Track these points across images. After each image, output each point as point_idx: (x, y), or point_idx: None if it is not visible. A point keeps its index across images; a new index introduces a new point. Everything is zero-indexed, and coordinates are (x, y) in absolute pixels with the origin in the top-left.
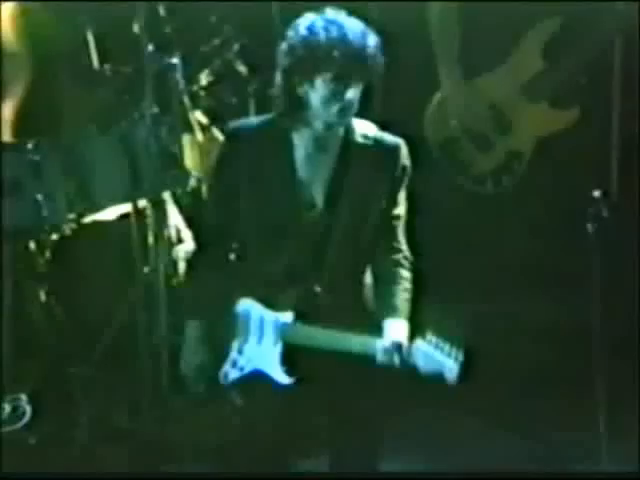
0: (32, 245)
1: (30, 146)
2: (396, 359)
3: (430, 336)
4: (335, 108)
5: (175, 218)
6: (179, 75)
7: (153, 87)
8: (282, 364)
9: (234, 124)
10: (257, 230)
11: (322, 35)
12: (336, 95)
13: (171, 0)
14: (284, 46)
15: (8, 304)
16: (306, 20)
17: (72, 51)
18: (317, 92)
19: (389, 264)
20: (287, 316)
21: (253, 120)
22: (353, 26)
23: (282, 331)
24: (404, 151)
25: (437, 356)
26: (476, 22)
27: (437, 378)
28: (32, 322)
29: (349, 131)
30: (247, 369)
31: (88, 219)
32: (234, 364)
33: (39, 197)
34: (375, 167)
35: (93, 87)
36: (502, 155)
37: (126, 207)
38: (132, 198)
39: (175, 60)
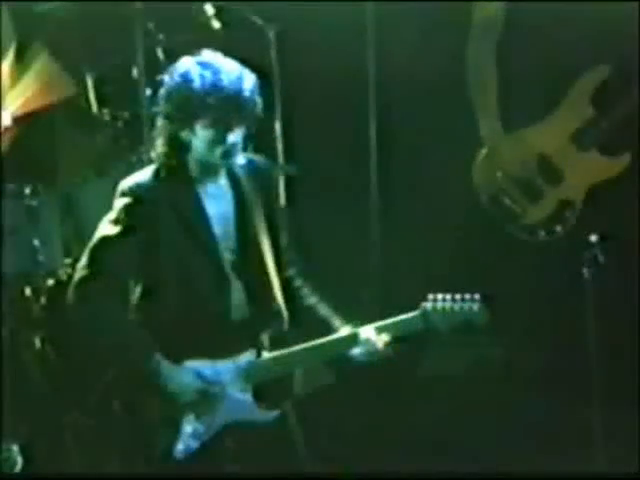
0: (28, 291)
1: (27, 191)
2: (371, 347)
3: (432, 295)
4: (218, 151)
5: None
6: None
7: (150, 131)
8: (259, 403)
9: (130, 181)
10: (181, 278)
11: (197, 82)
12: (217, 139)
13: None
14: (162, 91)
15: (3, 351)
16: (182, 65)
17: (71, 96)
18: (198, 137)
19: (294, 282)
20: (247, 356)
21: (147, 171)
22: (228, 70)
23: (247, 373)
24: (270, 167)
25: (454, 307)
26: (523, 72)
27: (466, 329)
28: (26, 370)
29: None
30: (212, 431)
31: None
32: (195, 435)
33: (35, 242)
34: (254, 190)
35: (91, 132)
36: (553, 204)
37: None
38: None
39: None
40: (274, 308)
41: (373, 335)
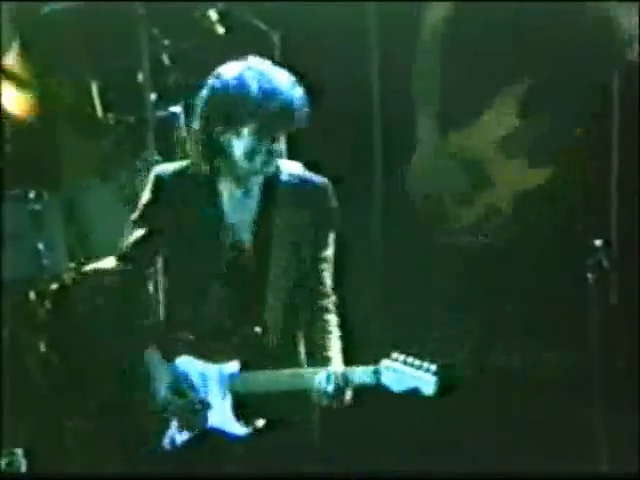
0: (32, 295)
1: (31, 196)
2: (330, 388)
3: (396, 354)
4: (259, 159)
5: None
6: (182, 124)
7: (155, 136)
8: (235, 416)
9: (160, 167)
10: (185, 278)
11: (252, 87)
12: (261, 146)
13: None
14: (205, 93)
15: (6, 355)
16: (233, 69)
17: (76, 101)
18: (242, 142)
19: (318, 312)
20: (232, 366)
21: (178, 164)
22: (282, 78)
23: (229, 382)
24: (330, 191)
25: (408, 372)
26: (453, 77)
27: (413, 395)
28: (30, 374)
29: (275, 169)
30: (195, 432)
31: (88, 268)
32: (180, 430)
33: (40, 246)
34: (301, 206)
35: (96, 136)
36: (481, 210)
37: None
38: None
39: (178, 109)
40: (264, 323)
41: (331, 379)
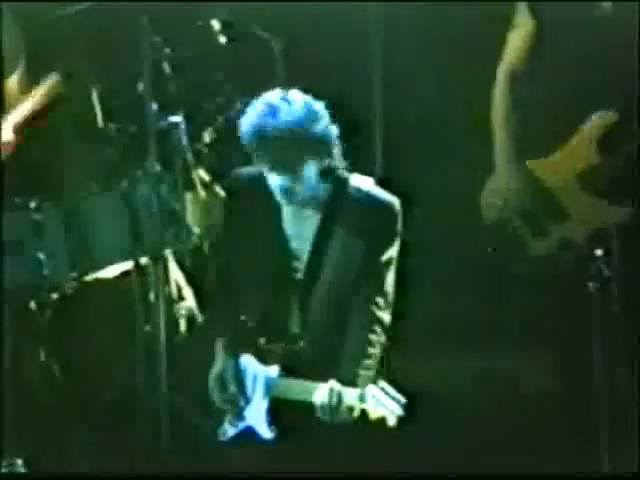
0: (33, 304)
1: (32, 205)
2: (329, 402)
3: (383, 383)
4: (282, 191)
5: (176, 275)
6: (182, 133)
7: (156, 145)
8: (267, 418)
9: (237, 170)
10: (247, 285)
11: (270, 123)
12: (280, 181)
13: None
14: (250, 119)
15: (7, 365)
16: (270, 99)
17: (77, 110)
18: (272, 177)
19: (364, 332)
20: (273, 370)
21: (248, 171)
22: (294, 110)
23: (269, 385)
24: (397, 212)
25: (382, 400)
26: (533, 107)
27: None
28: (31, 383)
29: (342, 183)
30: (241, 426)
31: (90, 277)
32: (231, 421)
33: (41, 256)
34: (365, 223)
35: (97, 146)
36: (555, 242)
37: (127, 265)
38: (133, 256)
39: (179, 118)
40: (305, 333)
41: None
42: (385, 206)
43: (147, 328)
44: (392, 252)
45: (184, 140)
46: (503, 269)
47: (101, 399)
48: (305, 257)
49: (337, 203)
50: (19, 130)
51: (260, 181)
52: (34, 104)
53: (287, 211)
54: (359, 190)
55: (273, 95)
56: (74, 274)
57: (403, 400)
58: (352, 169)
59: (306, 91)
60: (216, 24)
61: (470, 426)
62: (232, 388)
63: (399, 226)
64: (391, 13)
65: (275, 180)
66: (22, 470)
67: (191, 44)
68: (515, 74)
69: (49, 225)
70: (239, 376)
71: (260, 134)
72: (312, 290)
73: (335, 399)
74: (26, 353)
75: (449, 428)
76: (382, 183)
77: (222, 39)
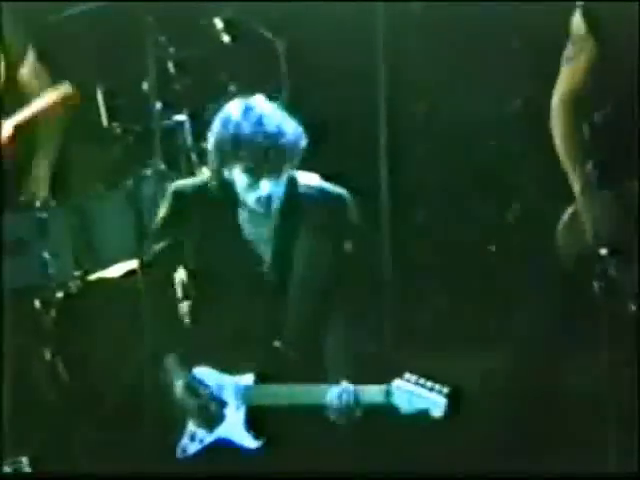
0: (38, 303)
1: (37, 204)
2: (340, 404)
3: (408, 375)
4: (253, 196)
5: (181, 274)
6: (187, 132)
7: (161, 144)
8: (247, 428)
9: (179, 183)
10: (206, 291)
11: (239, 127)
12: (252, 185)
13: None
14: (213, 126)
15: (12, 364)
16: (234, 110)
17: (82, 109)
18: (242, 178)
19: (334, 327)
20: (247, 378)
21: (197, 180)
22: (270, 118)
23: (244, 395)
24: (350, 203)
25: (419, 392)
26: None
27: (422, 416)
28: (35, 382)
29: (292, 182)
30: (207, 440)
31: (94, 276)
32: (192, 437)
33: (45, 255)
34: (320, 218)
35: (102, 145)
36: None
37: (132, 264)
38: (138, 255)
39: (183, 117)
40: (282, 334)
41: (342, 396)
42: (337, 199)
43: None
44: (350, 244)
45: (189, 139)
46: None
47: (107, 398)
48: (268, 260)
49: (291, 202)
50: (19, 129)
51: (207, 191)
52: (40, 108)
53: (243, 216)
54: (309, 187)
55: (251, 100)
56: (79, 273)
57: (445, 389)
58: (356, 168)
59: (309, 91)
60: (220, 23)
61: (474, 425)
62: (196, 402)
63: (354, 217)
64: (396, 13)
65: (257, 187)
66: (27, 469)
67: (195, 43)
68: (577, 101)
69: (54, 224)
70: (201, 390)
71: (245, 139)
72: (282, 291)
73: (351, 398)
74: (31, 352)
75: (454, 427)
76: (327, 178)
77: (226, 38)
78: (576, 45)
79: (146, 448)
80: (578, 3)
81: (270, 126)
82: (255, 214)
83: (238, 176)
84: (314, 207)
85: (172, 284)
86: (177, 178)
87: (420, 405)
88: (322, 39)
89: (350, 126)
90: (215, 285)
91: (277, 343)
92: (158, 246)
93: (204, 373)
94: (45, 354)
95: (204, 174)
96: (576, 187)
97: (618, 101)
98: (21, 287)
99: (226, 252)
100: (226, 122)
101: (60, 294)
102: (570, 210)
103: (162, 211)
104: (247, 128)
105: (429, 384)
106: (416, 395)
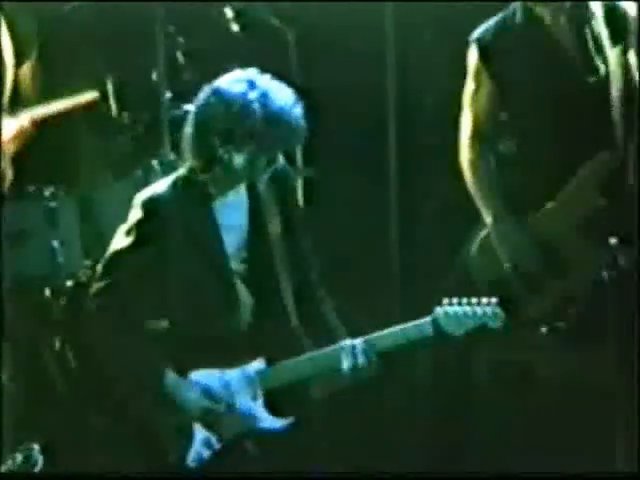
0: (47, 292)
1: (47, 193)
2: (360, 359)
3: (446, 299)
4: (258, 169)
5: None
6: None
7: (170, 134)
8: (269, 411)
9: (145, 194)
10: (193, 289)
11: (257, 110)
12: (260, 159)
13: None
14: (203, 103)
15: (22, 352)
16: (236, 86)
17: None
18: (241, 155)
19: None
20: (258, 364)
21: (163, 183)
22: (284, 98)
23: (259, 380)
24: (288, 170)
25: (469, 311)
26: (513, 161)
27: (480, 332)
28: (46, 371)
29: None
30: (225, 441)
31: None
32: (207, 443)
33: (55, 244)
34: (274, 196)
35: (111, 135)
36: (557, 300)
37: None
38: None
39: (193, 107)
40: (284, 316)
41: (361, 350)
42: (284, 173)
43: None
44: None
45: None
46: None
47: (116, 387)
48: (245, 247)
49: (252, 187)
50: (36, 123)
51: (177, 195)
52: (62, 109)
53: (219, 207)
54: None
55: (250, 74)
56: (88, 262)
57: (493, 299)
58: (365, 156)
59: (319, 78)
60: (229, 12)
61: (482, 420)
62: (207, 411)
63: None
64: (406, 2)
65: (261, 165)
66: (38, 456)
67: (205, 33)
68: (483, 135)
69: (63, 214)
70: (204, 394)
71: (251, 115)
72: (270, 276)
73: (368, 350)
74: (41, 341)
75: (457, 423)
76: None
77: (236, 28)
78: (474, 80)
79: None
80: (472, 38)
81: (287, 105)
82: (229, 205)
83: (243, 153)
84: (269, 186)
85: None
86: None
87: (473, 323)
88: (332, 28)
89: (360, 114)
90: (201, 281)
91: (275, 325)
92: (122, 266)
93: (204, 375)
94: (55, 342)
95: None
96: (486, 216)
97: (521, 131)
98: (31, 276)
99: (205, 244)
100: (239, 102)
101: (70, 283)
102: (481, 235)
103: (125, 229)
104: (268, 107)
105: (474, 300)
106: (467, 315)
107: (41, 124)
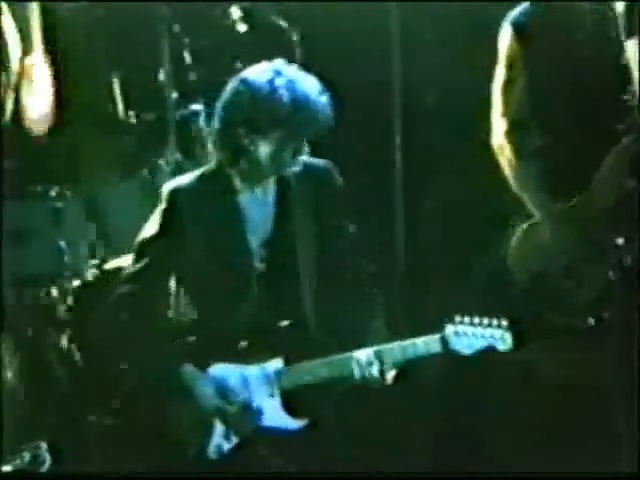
0: (54, 291)
1: (53, 193)
2: (374, 371)
3: (459, 317)
4: (284, 160)
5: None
6: (202, 122)
7: (176, 134)
8: (286, 411)
9: (171, 184)
10: (213, 284)
11: (284, 96)
12: (287, 149)
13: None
14: (229, 95)
15: (29, 351)
16: (262, 75)
17: (97, 98)
18: (267, 145)
19: (344, 298)
20: (276, 363)
21: (191, 175)
22: (311, 86)
23: (276, 380)
24: (335, 171)
25: (479, 332)
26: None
27: (489, 354)
28: (52, 369)
29: None
30: (243, 435)
31: (110, 265)
32: (226, 435)
33: (61, 244)
34: (310, 193)
35: (117, 134)
36: (600, 289)
37: None
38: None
39: (199, 107)
40: (301, 317)
41: (371, 362)
42: (322, 169)
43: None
44: (342, 214)
45: (204, 129)
46: None
47: (122, 385)
48: (274, 242)
49: (283, 182)
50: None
51: (201, 187)
52: None
53: (245, 203)
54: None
55: (287, 67)
56: (94, 262)
57: (504, 321)
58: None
59: (324, 79)
60: (235, 12)
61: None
62: (225, 406)
63: (340, 183)
64: (411, 1)
65: (287, 156)
66: (46, 454)
67: (210, 33)
68: (521, 123)
69: (70, 213)
70: (229, 392)
71: (278, 104)
72: (292, 272)
73: (378, 360)
74: (48, 339)
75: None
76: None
77: (241, 27)
78: (508, 65)
79: (167, 436)
80: (507, 20)
81: (314, 92)
82: (256, 198)
83: (270, 142)
84: (303, 182)
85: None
86: (192, 167)
87: (482, 344)
88: (337, 28)
89: (365, 114)
90: (224, 275)
91: (291, 322)
92: (156, 250)
93: (224, 369)
94: (61, 341)
95: (195, 170)
96: (533, 207)
97: (550, 120)
98: (37, 276)
99: (229, 238)
100: (271, 87)
101: (76, 282)
102: (524, 226)
103: (159, 214)
104: (296, 93)
105: (485, 321)
106: (475, 335)
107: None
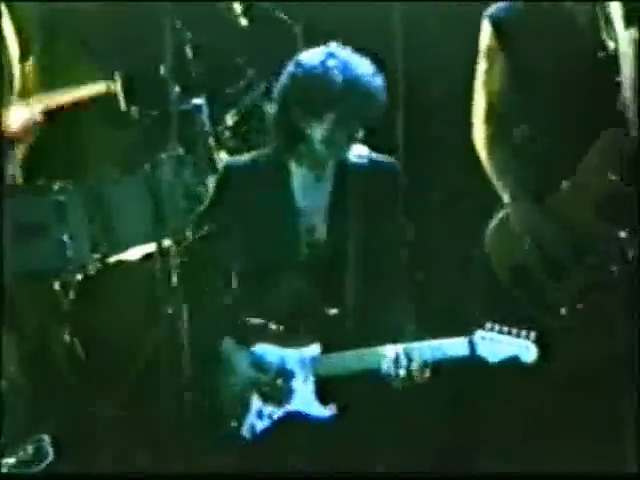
0: (57, 285)
1: (56, 187)
2: (401, 370)
3: (490, 324)
4: (338, 144)
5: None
6: (205, 116)
7: (179, 128)
8: (318, 398)
9: (230, 160)
10: (258, 265)
11: (337, 76)
12: (340, 133)
13: None
14: (285, 79)
15: (32, 344)
16: (316, 57)
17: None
18: (322, 128)
19: (391, 293)
20: (313, 349)
21: (248, 155)
22: (365, 68)
23: (311, 366)
24: (400, 171)
25: (506, 340)
26: (535, 138)
27: (512, 365)
28: (55, 362)
29: (343, 152)
30: (276, 415)
31: (112, 259)
32: (260, 414)
33: (64, 238)
34: (372, 188)
35: (120, 129)
36: (581, 285)
37: (150, 247)
38: (156, 238)
39: (201, 101)
40: (343, 306)
41: (401, 359)
42: (388, 169)
43: (170, 310)
44: (402, 211)
45: (206, 123)
46: None
47: (124, 379)
48: (322, 229)
49: (343, 172)
50: (47, 113)
51: (258, 164)
52: (75, 98)
53: (297, 185)
54: (360, 156)
55: (341, 49)
56: (97, 256)
57: (532, 333)
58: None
59: None
60: (237, 6)
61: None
62: (262, 378)
63: (405, 185)
64: None
65: (329, 132)
66: (49, 447)
67: (212, 27)
68: (499, 114)
69: (72, 207)
70: (266, 365)
71: (354, 85)
72: (340, 261)
73: (415, 358)
74: (50, 333)
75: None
76: (375, 149)
77: (243, 21)
78: (487, 57)
79: (164, 426)
80: (485, 14)
81: (369, 74)
82: (309, 184)
83: (324, 125)
84: (366, 176)
85: (218, 263)
86: (194, 162)
87: (508, 353)
88: (339, 22)
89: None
90: (271, 257)
91: (334, 311)
92: (209, 223)
93: (265, 349)
94: (64, 335)
95: (223, 158)
96: (503, 194)
97: (534, 111)
98: (40, 270)
99: (281, 223)
100: (325, 70)
101: (79, 276)
102: (500, 215)
103: (214, 186)
104: (350, 75)
105: (514, 330)
106: (502, 343)
107: (51, 114)
